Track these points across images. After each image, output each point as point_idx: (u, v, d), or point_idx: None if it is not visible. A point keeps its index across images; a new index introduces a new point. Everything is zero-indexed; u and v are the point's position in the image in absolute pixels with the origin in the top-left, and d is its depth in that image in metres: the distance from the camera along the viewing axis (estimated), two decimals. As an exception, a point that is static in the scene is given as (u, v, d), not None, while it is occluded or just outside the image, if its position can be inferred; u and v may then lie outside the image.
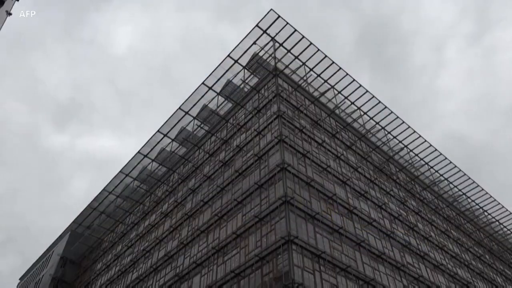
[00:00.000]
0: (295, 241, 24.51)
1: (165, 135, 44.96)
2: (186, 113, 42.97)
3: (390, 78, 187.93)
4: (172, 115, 43.64)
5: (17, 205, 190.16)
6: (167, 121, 44.22)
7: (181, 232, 37.14)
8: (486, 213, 54.86)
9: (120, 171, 49.49)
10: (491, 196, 52.81)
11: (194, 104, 42.66)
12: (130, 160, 48.47)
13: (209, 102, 43.47)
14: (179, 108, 42.81)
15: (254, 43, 38.58)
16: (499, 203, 53.65)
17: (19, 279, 72.10)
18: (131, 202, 51.53)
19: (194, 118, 43.91)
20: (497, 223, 56.00)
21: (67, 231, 59.64)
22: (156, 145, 46.16)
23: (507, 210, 54.53)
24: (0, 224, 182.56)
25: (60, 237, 61.58)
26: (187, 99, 42.55)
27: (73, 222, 57.85)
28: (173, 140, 45.85)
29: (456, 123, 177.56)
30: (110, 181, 50.99)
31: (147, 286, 36.74)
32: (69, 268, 56.28)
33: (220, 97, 42.96)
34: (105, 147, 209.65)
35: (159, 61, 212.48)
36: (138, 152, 47.23)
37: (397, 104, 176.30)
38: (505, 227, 56.38)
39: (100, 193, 52.58)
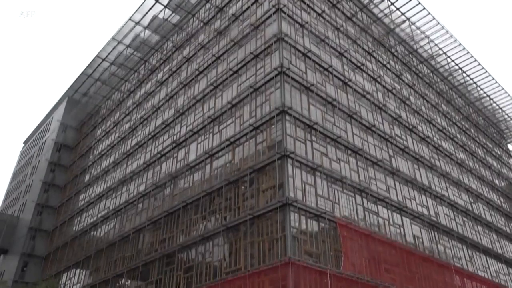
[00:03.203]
0: (289, 111, 25.17)
1: (157, 1, 42.59)
2: (179, -25, 40.08)
3: None
4: (163, -23, 40.75)
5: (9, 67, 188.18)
6: (158, -16, 41.46)
7: (177, 101, 37.73)
8: (478, 88, 55.49)
9: (112, 38, 48.14)
10: (486, 71, 52.84)
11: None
12: (121, 28, 46.75)
13: (203, -36, 40.26)
14: (171, -30, 39.79)
15: None
16: (493, 78, 53.93)
17: (23, 142, 75.04)
18: (125, 69, 51.15)
19: (187, -19, 41.12)
20: (487, 98, 57.05)
21: (64, 98, 60.29)
22: (148, 11, 44.03)
23: (499, 85, 55.08)
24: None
25: (58, 103, 62.44)
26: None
27: (69, 88, 58.12)
28: (165, 6, 43.54)
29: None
30: (103, 48, 49.99)
31: (146, 152, 38.67)
32: (70, 133, 58.31)
33: (214, -42, 39.64)
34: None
35: None
36: (129, 19, 45.28)
37: None
38: (494, 102, 57.61)
39: (93, 59, 51.93)
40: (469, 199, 40.09)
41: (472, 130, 51.48)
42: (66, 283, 41.29)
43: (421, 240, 30.31)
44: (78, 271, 40.41)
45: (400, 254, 26.95)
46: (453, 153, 42.54)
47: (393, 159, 32.70)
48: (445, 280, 29.54)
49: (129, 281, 32.73)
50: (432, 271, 28.64)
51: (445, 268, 30.13)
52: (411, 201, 31.61)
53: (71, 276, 41.21)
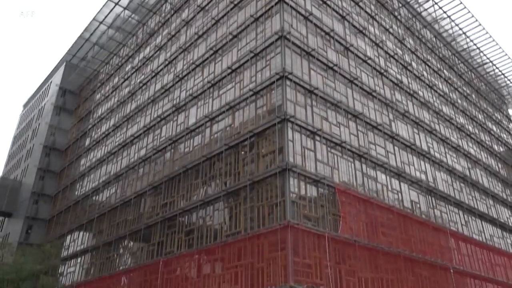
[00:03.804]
0: (289, 77, 24.95)
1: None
2: None
3: None
4: None
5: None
6: None
7: (176, 66, 37.29)
8: (481, 54, 54.73)
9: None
10: (490, 36, 51.98)
11: None
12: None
13: None
14: None
15: None
16: (496, 44, 53.13)
17: (23, 106, 74.80)
18: (123, 33, 50.23)
19: None
20: (490, 64, 56.36)
21: (62, 62, 59.53)
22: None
23: (503, 51, 54.32)
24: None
25: (56, 67, 61.74)
26: None
27: (67, 53, 57.26)
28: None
29: None
30: (100, 10, 48.91)
31: (146, 115, 38.59)
32: (69, 97, 57.92)
33: None
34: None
35: None
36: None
37: None
38: (497, 68, 56.96)
39: (90, 23, 50.89)
40: (467, 165, 40.38)
41: (473, 96, 51.18)
42: (70, 244, 42.24)
43: (418, 205, 30.76)
44: (81, 233, 41.27)
45: (397, 219, 27.45)
46: (453, 117, 42.48)
47: (393, 123, 32.70)
48: (440, 243, 30.22)
49: (131, 243, 33.50)
50: (428, 234, 29.25)
51: (440, 231, 30.76)
52: (409, 166, 31.85)
53: (74, 238, 42.11)
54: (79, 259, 39.58)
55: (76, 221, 42.64)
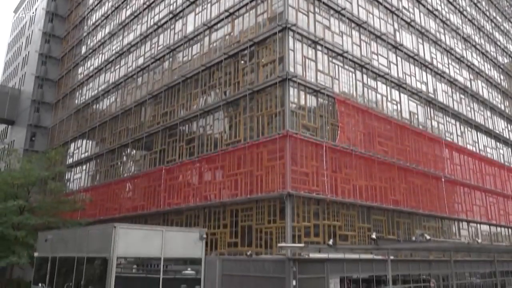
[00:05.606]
0: (292, -20, 23.63)
1: None
2: None
3: None
4: None
5: None
6: None
7: (172, -33, 35.04)
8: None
9: None
10: None
11: None
12: None
13: None
14: None
15: None
16: None
17: (13, 12, 71.88)
18: None
19: None
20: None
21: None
22: None
23: (521, -47, 50.77)
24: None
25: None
26: None
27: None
28: None
29: None
30: None
31: (142, 23, 37.21)
32: (60, 1, 55.24)
33: None
34: None
35: None
36: None
37: None
38: (512, -28, 53.72)
39: None
40: (469, 76, 39.95)
41: (483, 3, 48.88)
42: (74, 152, 43.37)
43: (416, 116, 31.04)
44: (84, 141, 42.14)
45: (395, 129, 27.90)
46: (460, 27, 41.05)
47: (397, 33, 31.70)
48: (435, 153, 31.07)
49: (134, 151, 34.40)
50: (423, 144, 29.95)
51: (436, 142, 31.46)
52: (411, 77, 31.54)
53: (78, 146, 43.10)
54: (84, 166, 40.93)
55: (78, 129, 43.30)
